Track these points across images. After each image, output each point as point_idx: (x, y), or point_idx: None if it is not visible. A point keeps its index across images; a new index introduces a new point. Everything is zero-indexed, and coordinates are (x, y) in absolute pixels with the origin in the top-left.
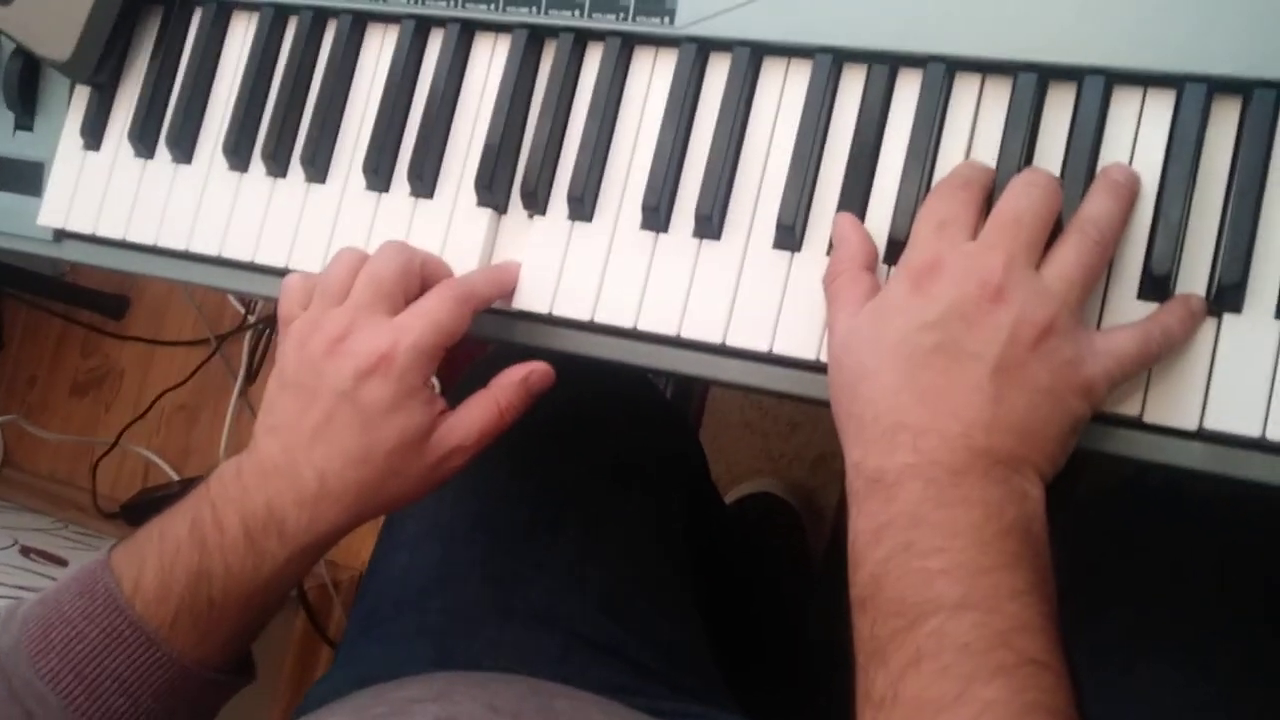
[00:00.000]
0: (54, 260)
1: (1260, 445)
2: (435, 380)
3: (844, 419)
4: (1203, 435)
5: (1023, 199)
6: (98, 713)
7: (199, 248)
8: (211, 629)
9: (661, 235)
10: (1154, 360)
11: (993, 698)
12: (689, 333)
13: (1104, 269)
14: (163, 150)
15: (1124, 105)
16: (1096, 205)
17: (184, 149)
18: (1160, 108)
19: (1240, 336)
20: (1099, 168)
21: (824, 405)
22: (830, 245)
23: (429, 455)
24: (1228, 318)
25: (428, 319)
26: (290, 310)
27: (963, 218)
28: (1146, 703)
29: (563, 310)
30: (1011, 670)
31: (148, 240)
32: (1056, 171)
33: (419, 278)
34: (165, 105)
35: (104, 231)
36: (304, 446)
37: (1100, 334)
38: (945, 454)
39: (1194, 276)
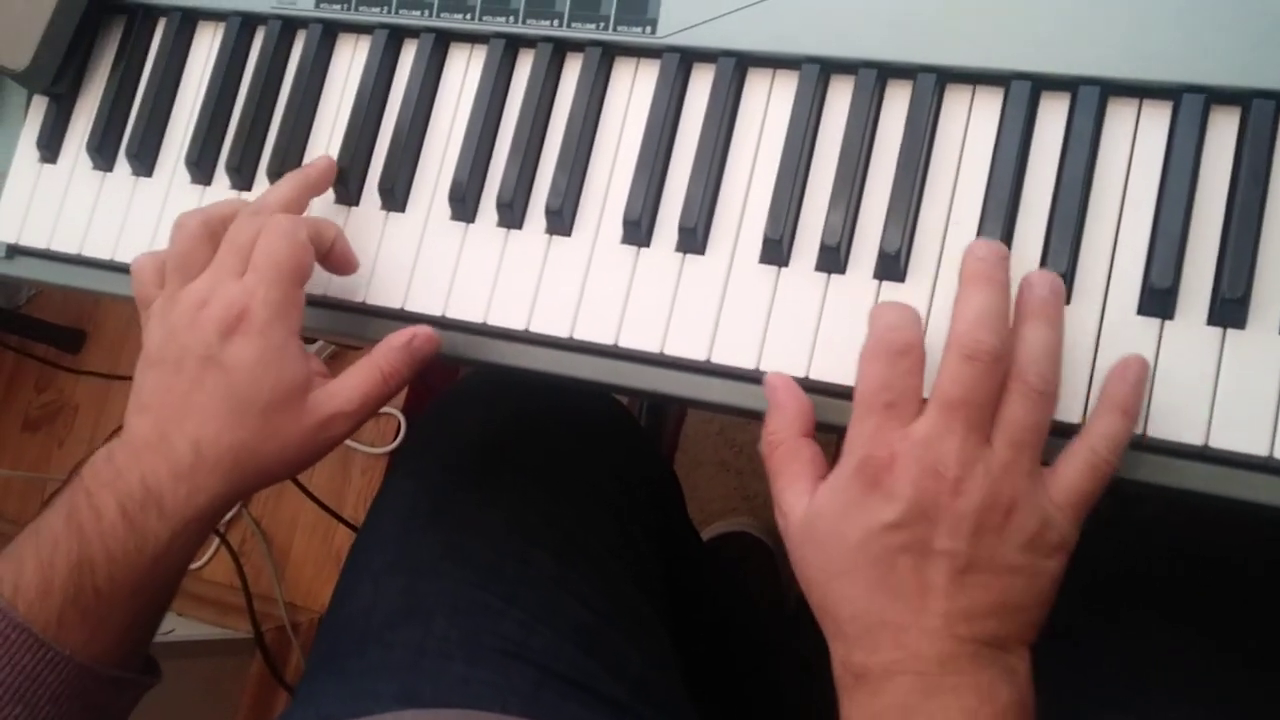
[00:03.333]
0: (9, 291)
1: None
2: (400, 415)
3: (819, 611)
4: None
5: (966, 376)
6: None
7: None
8: (102, 622)
9: (643, 250)
10: (1113, 473)
11: None
12: (672, 350)
13: (1053, 414)
14: (122, 163)
15: (1120, 117)
16: (1030, 343)
17: (145, 161)
18: (1157, 119)
19: (1244, 352)
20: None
21: None
22: (819, 258)
23: (306, 418)
24: (1231, 333)
25: (267, 265)
26: (146, 292)
27: (908, 392)
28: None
29: (540, 327)
30: None
31: (104, 255)
32: (1050, 185)
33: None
34: (126, 117)
35: (59, 246)
36: (175, 419)
37: (1054, 480)
38: (930, 648)
39: (1195, 291)
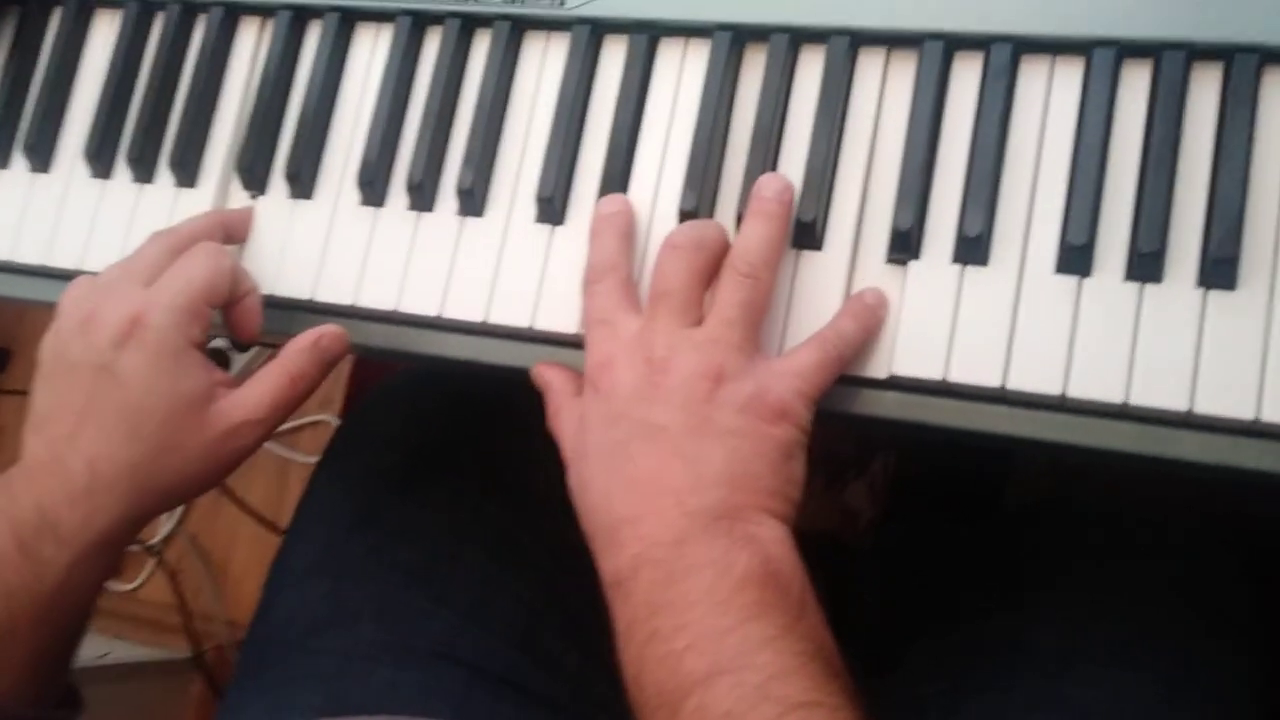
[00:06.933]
0: None
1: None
2: (338, 422)
3: (587, 537)
4: (1128, 414)
5: (667, 267)
6: None
7: (59, 263)
8: (4, 659)
9: (558, 228)
10: (840, 364)
11: None
12: None
13: (766, 297)
14: (18, 159)
15: (1033, 74)
16: (744, 236)
17: (41, 156)
18: (1070, 74)
19: (1162, 307)
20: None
21: None
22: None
23: (210, 428)
24: (1149, 288)
25: (179, 279)
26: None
27: (611, 307)
28: (1082, 705)
29: (454, 313)
30: None
31: (1, 257)
32: (965, 146)
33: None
34: (20, 110)
35: None
36: (68, 436)
37: (780, 358)
38: (663, 530)
39: (1112, 247)
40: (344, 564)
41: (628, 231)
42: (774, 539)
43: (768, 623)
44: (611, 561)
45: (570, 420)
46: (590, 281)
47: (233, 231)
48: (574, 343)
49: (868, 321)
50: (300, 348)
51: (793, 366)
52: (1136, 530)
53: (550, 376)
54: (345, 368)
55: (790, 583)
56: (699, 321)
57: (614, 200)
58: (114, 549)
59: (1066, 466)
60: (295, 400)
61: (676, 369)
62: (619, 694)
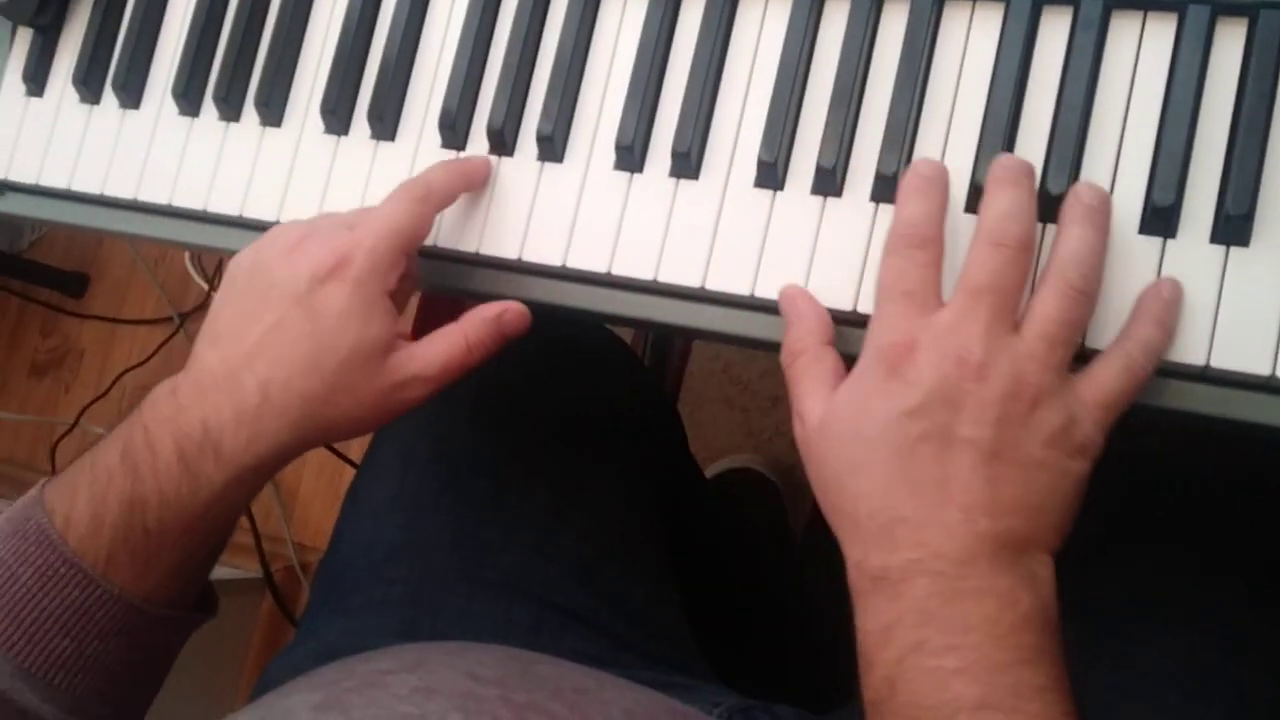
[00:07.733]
0: (11, 236)
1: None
2: None
3: (834, 514)
4: (1209, 376)
5: (991, 262)
6: (39, 656)
7: (147, 197)
8: (151, 561)
9: (636, 175)
10: (1146, 382)
11: None
12: (666, 277)
13: (1089, 317)
14: (109, 95)
15: (1123, 31)
16: (1073, 241)
17: (132, 93)
18: (1162, 32)
19: (1247, 270)
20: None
21: None
22: (815, 181)
23: (384, 377)
24: (1235, 251)
25: (384, 222)
26: None
27: (926, 283)
28: (1148, 664)
29: (533, 256)
30: None
31: (93, 190)
32: (1051, 103)
33: None
34: (112, 48)
35: (47, 182)
36: (247, 355)
37: (1084, 379)
38: (949, 545)
39: (1198, 209)
40: (418, 496)
41: (946, 203)
42: (1048, 580)
43: (1042, 671)
44: (879, 557)
45: (821, 372)
46: (903, 244)
47: (473, 181)
48: (649, 289)
49: (1173, 322)
50: (484, 318)
51: (1101, 397)
52: (1207, 491)
53: (803, 307)
54: (414, 299)
55: (1058, 633)
56: (1016, 328)
57: (934, 165)
58: (267, 474)
59: (1138, 425)
60: (468, 367)
61: (993, 382)
62: (679, 628)
